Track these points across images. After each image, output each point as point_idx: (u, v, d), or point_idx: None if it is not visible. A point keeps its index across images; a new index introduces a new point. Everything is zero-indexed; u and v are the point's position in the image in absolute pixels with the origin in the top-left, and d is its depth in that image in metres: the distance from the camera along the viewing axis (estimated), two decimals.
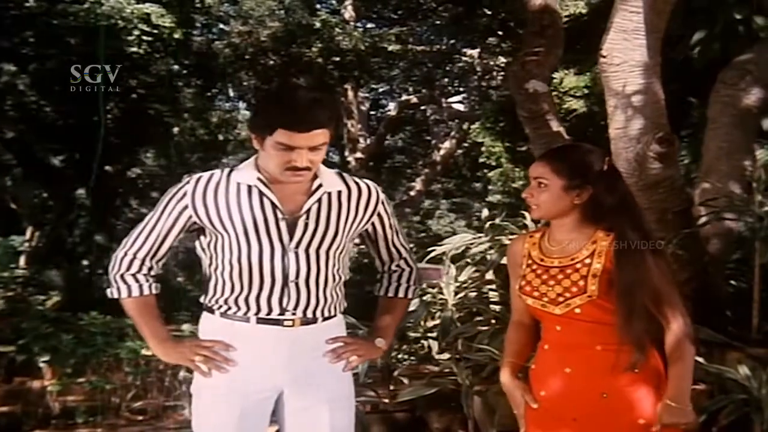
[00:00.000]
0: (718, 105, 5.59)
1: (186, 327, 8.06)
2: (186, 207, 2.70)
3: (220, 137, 17.01)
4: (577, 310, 2.62)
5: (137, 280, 2.76)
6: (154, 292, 2.79)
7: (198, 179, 2.73)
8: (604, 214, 2.67)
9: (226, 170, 2.77)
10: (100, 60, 10.91)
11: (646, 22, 4.84)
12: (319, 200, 2.70)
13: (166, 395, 8.00)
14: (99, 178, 14.03)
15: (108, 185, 14.89)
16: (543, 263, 2.73)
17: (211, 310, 2.77)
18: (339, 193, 2.75)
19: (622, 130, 4.91)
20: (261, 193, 2.67)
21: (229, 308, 2.71)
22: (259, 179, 2.67)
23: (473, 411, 4.89)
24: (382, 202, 2.84)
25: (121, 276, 2.76)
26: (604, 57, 4.98)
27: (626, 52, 4.88)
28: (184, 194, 2.71)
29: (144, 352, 7.75)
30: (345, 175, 2.84)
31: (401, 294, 2.97)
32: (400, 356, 6.23)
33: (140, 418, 7.89)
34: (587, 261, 2.64)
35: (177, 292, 15.73)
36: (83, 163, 14.16)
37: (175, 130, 15.14)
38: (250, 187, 2.68)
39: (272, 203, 2.66)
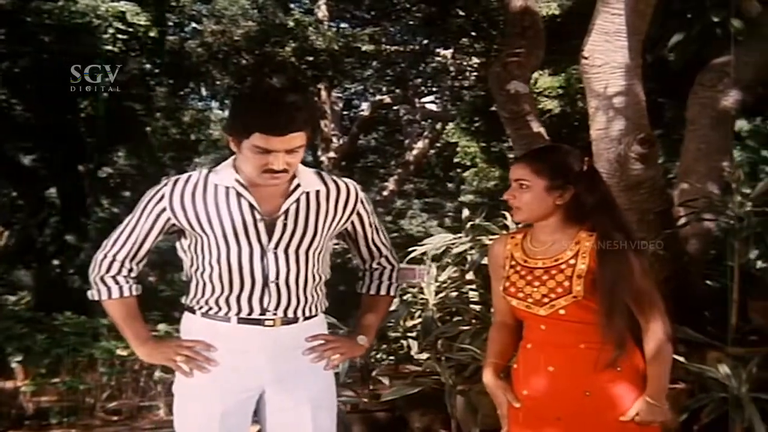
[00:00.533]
0: (697, 107, 5.64)
1: (161, 327, 8.03)
2: (164, 209, 2.69)
3: (193, 137, 16.93)
4: (562, 311, 2.63)
5: (117, 282, 2.74)
6: (134, 293, 2.76)
7: (176, 181, 2.72)
8: (587, 214, 2.69)
9: (204, 171, 2.75)
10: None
11: (627, 24, 4.87)
12: (298, 200, 2.69)
13: (141, 395, 7.97)
14: (70, 177, 13.92)
15: (79, 184, 14.75)
16: (527, 264, 2.73)
17: (192, 310, 2.76)
18: (318, 192, 2.74)
19: (604, 131, 4.94)
20: (239, 195, 2.65)
21: (210, 308, 2.70)
22: (236, 180, 2.66)
23: (456, 410, 4.91)
24: (362, 201, 2.83)
25: (101, 278, 2.75)
26: (585, 58, 5.00)
27: (608, 54, 4.91)
28: (162, 196, 2.69)
29: (119, 352, 7.72)
30: (324, 174, 2.84)
31: (383, 291, 2.96)
32: (379, 356, 6.24)
33: (115, 418, 7.85)
34: (571, 261, 2.65)
35: (149, 291, 15.62)
36: (54, 162, 14.04)
37: (148, 129, 15.05)
38: (227, 189, 2.67)
39: (250, 204, 2.65)
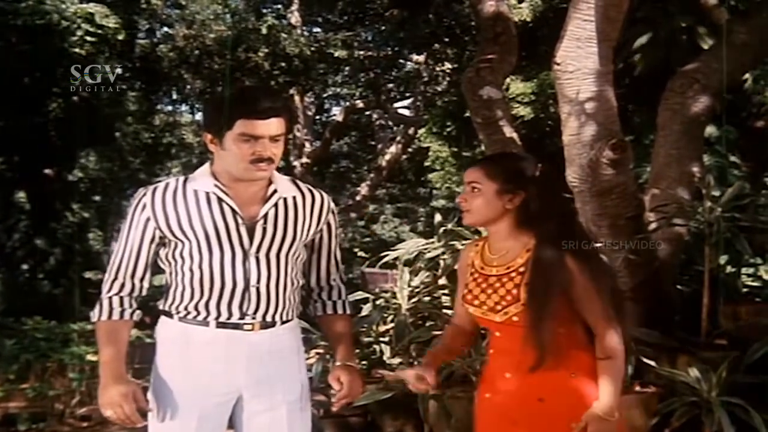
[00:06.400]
0: (668, 113, 5.66)
1: (133, 332, 7.92)
2: (149, 218, 2.70)
3: (164, 141, 16.83)
4: (515, 318, 2.65)
5: (110, 304, 2.72)
6: (125, 318, 2.72)
7: (154, 189, 2.74)
8: (535, 220, 2.69)
9: (181, 179, 2.78)
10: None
11: (598, 31, 4.90)
12: (276, 205, 2.73)
13: None
14: (39, 181, 13.78)
15: (48, 188, 14.60)
16: (483, 272, 2.76)
17: (169, 315, 2.76)
18: (294, 198, 2.78)
19: (576, 136, 4.96)
20: (220, 200, 2.68)
21: (188, 313, 2.71)
22: (216, 186, 2.68)
23: (429, 415, 4.91)
24: (332, 211, 2.89)
25: (100, 299, 2.74)
26: (557, 65, 5.03)
27: (580, 60, 4.93)
28: (144, 206, 2.71)
29: (89, 357, 7.64)
30: (298, 181, 2.88)
31: (349, 310, 2.98)
32: None
33: (85, 424, 7.76)
34: (521, 269, 2.67)
35: None
36: (23, 165, 13.89)
37: (117, 134, 14.94)
38: (208, 194, 2.69)
39: (232, 209, 2.67)
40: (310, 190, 2.84)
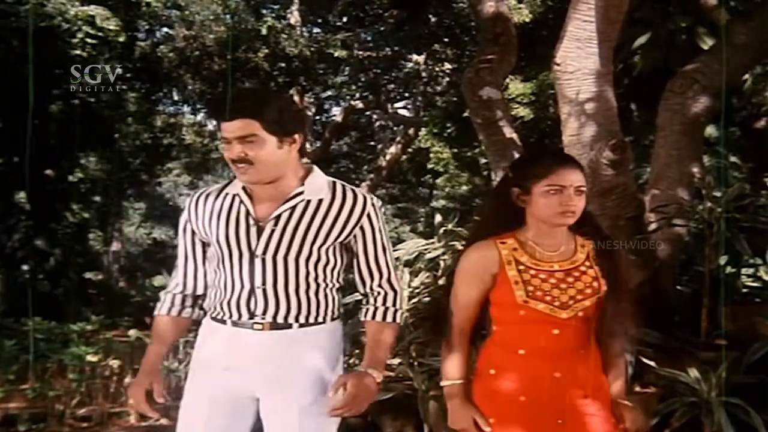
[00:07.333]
0: (668, 113, 5.66)
1: (132, 333, 7.97)
2: (187, 221, 2.83)
3: (164, 141, 16.84)
4: (581, 313, 2.64)
5: (164, 300, 2.89)
6: (172, 314, 2.88)
7: (196, 193, 2.86)
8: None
9: (225, 182, 2.85)
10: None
11: (598, 31, 4.91)
12: (293, 208, 2.69)
13: (112, 401, 7.87)
14: (39, 181, 13.80)
15: (48, 189, 14.61)
16: (542, 268, 2.68)
17: (206, 312, 2.86)
18: (320, 201, 2.70)
19: (576, 137, 4.97)
20: (241, 201, 2.72)
21: (213, 311, 2.79)
22: (243, 188, 2.72)
23: (429, 416, 4.90)
24: (368, 216, 2.74)
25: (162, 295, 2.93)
26: (558, 65, 5.03)
27: (580, 60, 4.94)
28: (184, 208, 2.85)
29: (89, 358, 7.65)
30: (338, 183, 2.77)
31: (391, 318, 2.82)
32: (351, 361, 6.22)
33: (85, 425, 7.76)
34: (587, 263, 2.69)
35: (120, 297, 15.58)
36: (23, 165, 13.90)
37: (116, 135, 14.96)
38: (234, 196, 2.75)
39: (247, 210, 2.70)
40: (345, 193, 2.72)
